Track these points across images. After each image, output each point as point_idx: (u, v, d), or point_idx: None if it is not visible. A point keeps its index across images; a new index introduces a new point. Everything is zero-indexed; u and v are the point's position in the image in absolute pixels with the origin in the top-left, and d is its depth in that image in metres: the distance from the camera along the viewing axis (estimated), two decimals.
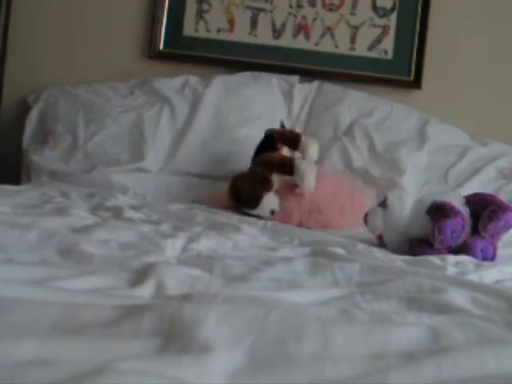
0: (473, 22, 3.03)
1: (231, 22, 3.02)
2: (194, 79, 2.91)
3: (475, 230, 1.82)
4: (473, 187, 2.54)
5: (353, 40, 3.03)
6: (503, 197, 2.12)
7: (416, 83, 3.02)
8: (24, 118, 2.81)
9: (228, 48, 3.02)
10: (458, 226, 1.76)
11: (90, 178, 2.56)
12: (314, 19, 3.02)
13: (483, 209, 1.82)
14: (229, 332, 0.73)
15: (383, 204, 1.89)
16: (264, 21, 3.02)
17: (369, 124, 2.83)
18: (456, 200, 1.84)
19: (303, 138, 2.43)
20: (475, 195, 1.91)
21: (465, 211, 1.81)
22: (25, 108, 2.88)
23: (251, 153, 2.45)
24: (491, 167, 2.74)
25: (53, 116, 2.77)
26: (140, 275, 1.05)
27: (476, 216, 1.82)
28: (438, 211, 1.77)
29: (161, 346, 0.70)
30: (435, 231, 1.74)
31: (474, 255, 1.74)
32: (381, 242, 1.86)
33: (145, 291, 0.97)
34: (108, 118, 2.74)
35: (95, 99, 2.80)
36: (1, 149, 2.95)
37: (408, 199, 1.89)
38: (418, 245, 1.78)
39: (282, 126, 2.73)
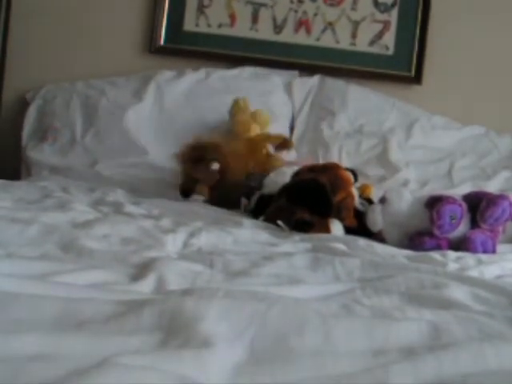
0: (473, 17, 3.03)
1: (232, 17, 3.02)
2: (191, 73, 2.91)
3: (474, 225, 1.82)
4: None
5: (354, 35, 3.02)
6: None
7: (417, 79, 3.02)
8: (23, 114, 2.81)
9: (229, 43, 3.01)
10: (457, 212, 1.76)
11: (90, 172, 2.57)
12: (315, 14, 3.02)
13: (480, 201, 1.83)
14: (229, 327, 0.73)
15: (382, 200, 1.90)
16: (265, 16, 3.02)
17: (370, 120, 2.83)
18: (454, 195, 1.86)
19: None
20: (471, 193, 1.92)
21: (463, 204, 1.82)
22: (24, 105, 2.88)
23: None
24: None
25: (51, 112, 2.78)
26: (141, 270, 1.05)
27: (474, 211, 1.83)
28: (436, 201, 1.78)
29: (161, 341, 0.70)
30: (434, 216, 1.75)
31: (474, 249, 1.74)
32: (380, 238, 1.86)
33: (145, 286, 0.97)
34: (107, 113, 2.74)
35: (93, 94, 2.80)
36: (1, 146, 2.95)
37: (406, 194, 1.89)
38: (417, 237, 1.79)
39: None
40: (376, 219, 1.87)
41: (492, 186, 2.50)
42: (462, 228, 1.79)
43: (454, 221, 1.77)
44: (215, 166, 2.20)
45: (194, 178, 2.20)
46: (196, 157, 2.22)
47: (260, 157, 2.36)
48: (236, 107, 2.62)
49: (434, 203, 1.77)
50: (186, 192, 2.17)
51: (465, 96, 3.03)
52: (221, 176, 2.19)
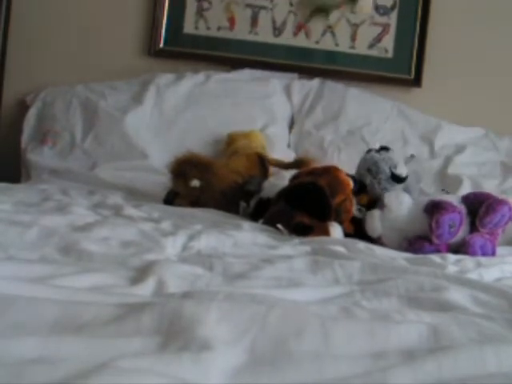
0: (473, 20, 3.03)
1: (231, 20, 3.02)
2: (191, 76, 2.91)
3: (473, 229, 1.82)
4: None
5: (353, 38, 3.02)
6: None
7: (416, 81, 3.02)
8: (23, 117, 2.81)
9: (228, 46, 3.01)
10: (456, 220, 1.76)
11: (89, 175, 2.56)
12: None
13: (479, 205, 1.82)
14: (229, 330, 0.73)
15: (381, 206, 1.89)
16: (264, 19, 3.02)
17: (369, 124, 2.83)
18: (453, 198, 1.85)
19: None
20: (470, 194, 1.92)
21: (462, 209, 1.81)
22: (24, 108, 2.88)
23: None
24: None
25: (51, 115, 2.78)
26: (140, 273, 1.05)
27: (473, 214, 1.82)
28: (435, 207, 1.77)
29: (161, 344, 0.70)
30: (433, 225, 1.75)
31: (473, 253, 1.74)
32: (380, 244, 1.85)
33: (145, 289, 0.97)
34: (106, 116, 2.74)
35: (93, 97, 2.80)
36: (1, 148, 2.95)
37: (405, 198, 1.89)
38: (416, 241, 1.78)
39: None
40: (375, 225, 1.86)
41: (491, 187, 2.50)
42: (461, 232, 1.79)
43: (452, 229, 1.76)
44: (195, 183, 2.21)
45: (174, 191, 2.23)
46: (178, 171, 2.24)
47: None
48: (230, 138, 2.64)
49: (433, 211, 1.76)
50: (167, 202, 2.20)
51: (465, 98, 3.03)
52: (202, 193, 2.20)
